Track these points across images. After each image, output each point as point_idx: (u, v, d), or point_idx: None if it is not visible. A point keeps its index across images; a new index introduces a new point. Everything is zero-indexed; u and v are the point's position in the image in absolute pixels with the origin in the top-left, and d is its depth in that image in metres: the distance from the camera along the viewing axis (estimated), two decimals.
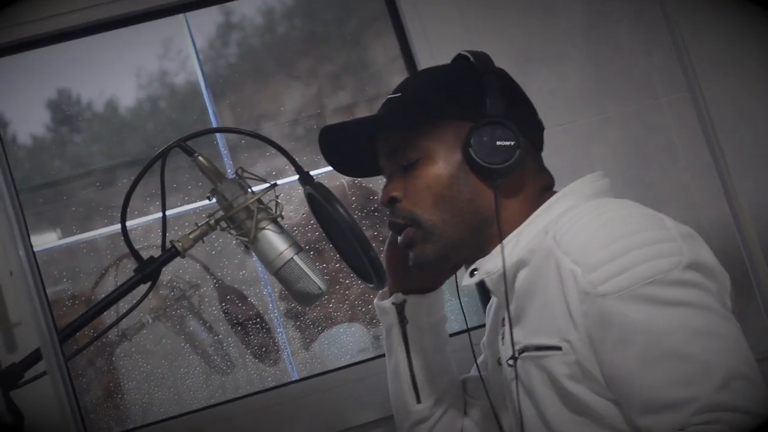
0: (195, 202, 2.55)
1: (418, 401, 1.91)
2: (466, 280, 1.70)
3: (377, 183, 2.63)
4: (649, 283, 1.47)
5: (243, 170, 1.79)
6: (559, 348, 1.55)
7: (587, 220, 1.57)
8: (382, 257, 1.90)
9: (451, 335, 1.99)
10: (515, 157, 1.65)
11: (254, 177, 1.78)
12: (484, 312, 1.94)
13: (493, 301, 1.86)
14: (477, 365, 1.93)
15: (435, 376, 1.92)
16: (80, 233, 2.64)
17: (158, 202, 1.81)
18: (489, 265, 1.67)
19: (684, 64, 1.39)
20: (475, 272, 1.68)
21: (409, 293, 1.90)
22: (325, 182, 1.80)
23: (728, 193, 1.46)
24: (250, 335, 2.56)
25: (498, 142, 1.65)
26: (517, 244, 1.65)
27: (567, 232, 1.56)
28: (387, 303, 1.91)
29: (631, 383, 1.47)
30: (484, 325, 1.96)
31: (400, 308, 1.90)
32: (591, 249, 1.52)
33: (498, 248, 1.66)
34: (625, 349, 1.47)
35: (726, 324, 1.48)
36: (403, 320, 1.90)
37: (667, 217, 1.58)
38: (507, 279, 1.65)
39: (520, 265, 1.64)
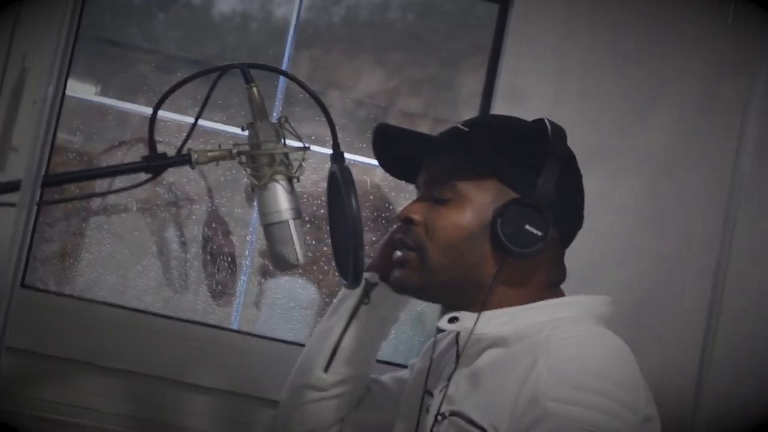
0: (232, 126, 2.55)
1: (325, 370, 1.90)
2: (443, 323, 1.70)
3: (398, 196, 2.63)
4: (588, 430, 1.47)
5: (287, 120, 1.78)
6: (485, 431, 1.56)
7: (584, 344, 1.57)
8: (382, 238, 1.92)
9: None
10: (533, 249, 1.63)
11: (293, 132, 1.78)
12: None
13: (445, 340, 1.87)
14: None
15: (354, 360, 1.91)
16: (117, 100, 2.65)
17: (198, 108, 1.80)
18: (468, 323, 1.66)
19: (725, 236, 1.39)
20: (455, 321, 1.68)
21: (386, 281, 1.87)
22: (355, 172, 1.80)
23: (702, 366, 1.46)
24: (215, 269, 2.56)
25: (527, 226, 1.63)
26: (508, 322, 1.65)
27: (561, 342, 1.56)
28: None
29: None
30: None
31: (368, 287, 1.89)
32: (568, 368, 1.53)
33: (486, 314, 1.66)
34: None
35: None
36: (363, 298, 1.90)
37: (647, 389, 1.57)
38: (473, 347, 1.66)
39: (500, 342, 1.64)
